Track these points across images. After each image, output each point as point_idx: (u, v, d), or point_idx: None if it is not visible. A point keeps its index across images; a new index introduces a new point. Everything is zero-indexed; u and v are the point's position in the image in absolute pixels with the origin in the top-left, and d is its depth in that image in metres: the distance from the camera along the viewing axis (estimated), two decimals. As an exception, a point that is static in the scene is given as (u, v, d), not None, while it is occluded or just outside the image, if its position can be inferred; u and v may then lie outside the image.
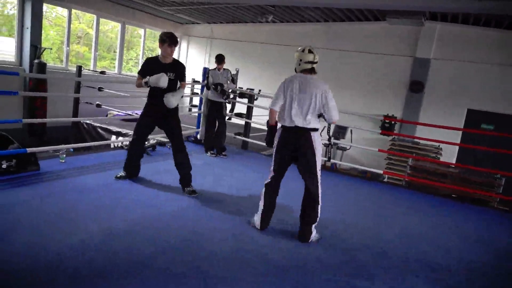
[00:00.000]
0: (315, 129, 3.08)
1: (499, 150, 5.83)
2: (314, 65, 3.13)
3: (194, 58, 12.40)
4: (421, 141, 8.81)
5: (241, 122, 7.39)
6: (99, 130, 7.80)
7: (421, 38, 9.33)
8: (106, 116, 9.31)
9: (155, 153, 5.49)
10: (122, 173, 4.09)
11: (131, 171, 4.12)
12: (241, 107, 7.38)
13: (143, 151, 4.32)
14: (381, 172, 5.99)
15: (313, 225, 3.10)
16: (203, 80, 6.91)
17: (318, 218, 3.10)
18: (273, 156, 3.19)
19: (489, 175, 6.01)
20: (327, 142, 3.62)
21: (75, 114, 8.19)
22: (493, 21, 8.33)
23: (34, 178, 3.72)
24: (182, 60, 12.48)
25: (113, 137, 7.68)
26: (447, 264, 3.06)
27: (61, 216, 2.99)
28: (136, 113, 9.03)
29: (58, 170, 4.05)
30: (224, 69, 5.92)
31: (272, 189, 3.20)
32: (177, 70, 3.84)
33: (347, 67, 10.26)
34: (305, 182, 3.08)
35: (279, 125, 3.16)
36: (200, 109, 6.84)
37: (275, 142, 3.16)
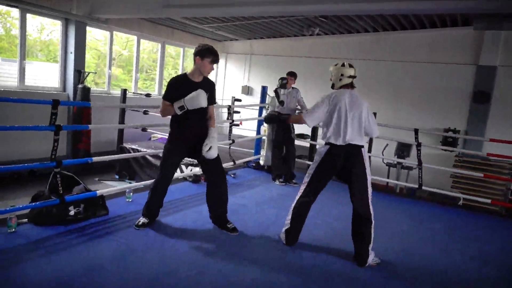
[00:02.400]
0: (363, 146, 3.02)
1: None
2: (353, 80, 3.09)
3: (233, 76, 11.98)
4: (492, 157, 7.98)
5: (304, 143, 6.84)
6: (147, 156, 7.35)
7: (485, 44, 8.56)
8: (149, 139, 8.94)
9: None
10: (143, 220, 3.28)
11: (155, 213, 3.40)
12: (302, 128, 6.80)
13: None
14: (489, 201, 5.03)
15: (370, 246, 2.92)
16: (262, 101, 6.40)
17: (372, 239, 2.92)
18: (313, 171, 3.06)
19: None
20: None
21: (120, 140, 7.80)
22: None
23: (106, 226, 3.21)
24: (220, 78, 12.11)
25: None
26: None
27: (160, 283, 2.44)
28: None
29: (128, 213, 3.53)
30: (292, 87, 5.37)
31: (305, 206, 3.11)
32: (211, 90, 3.23)
33: (400, 78, 9.57)
34: (355, 201, 2.98)
35: (321, 141, 3.10)
36: (258, 132, 6.29)
37: (318, 157, 3.05)
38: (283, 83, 5.32)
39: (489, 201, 4.90)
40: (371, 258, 2.92)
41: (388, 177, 8.06)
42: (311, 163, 3.16)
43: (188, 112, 3.06)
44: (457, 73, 8.96)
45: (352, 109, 2.97)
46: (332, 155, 2.98)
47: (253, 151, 6.44)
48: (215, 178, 3.34)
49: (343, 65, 3.07)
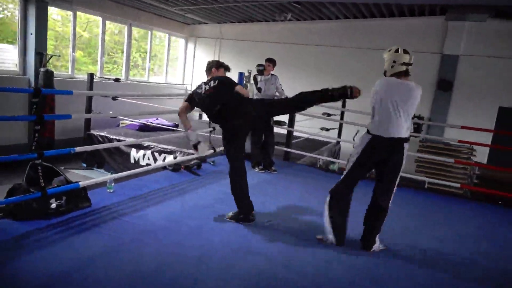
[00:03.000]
0: (408, 139, 2.87)
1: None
2: (409, 67, 2.82)
3: (202, 61, 11.72)
4: (452, 143, 8.42)
5: (282, 131, 6.86)
6: (117, 143, 7.08)
7: (449, 34, 8.93)
8: (118, 126, 8.60)
9: (203, 171, 4.85)
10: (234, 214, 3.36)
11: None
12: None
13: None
14: (458, 185, 5.32)
15: (378, 235, 2.98)
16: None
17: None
18: (352, 164, 2.92)
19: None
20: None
21: (87, 127, 7.45)
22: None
23: (91, 218, 3.06)
24: (189, 62, 11.83)
25: (133, 150, 7.01)
26: None
27: (158, 279, 2.37)
28: (152, 122, 8.36)
29: (112, 204, 3.39)
30: (271, 74, 5.33)
31: (346, 199, 2.97)
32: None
33: (370, 65, 9.77)
34: (379, 191, 2.92)
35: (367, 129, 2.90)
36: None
37: (359, 148, 2.89)
38: (260, 69, 5.28)
39: (458, 185, 5.17)
40: (377, 245, 2.99)
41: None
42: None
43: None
44: (423, 61, 9.27)
45: (403, 101, 2.77)
46: (375, 147, 2.83)
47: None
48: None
49: (397, 50, 2.82)
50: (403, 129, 2.80)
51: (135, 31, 10.17)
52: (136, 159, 7.00)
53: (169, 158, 6.70)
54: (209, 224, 3.24)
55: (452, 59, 8.93)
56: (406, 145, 2.85)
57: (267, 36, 10.60)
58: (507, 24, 8.44)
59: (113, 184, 3.68)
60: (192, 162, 4.88)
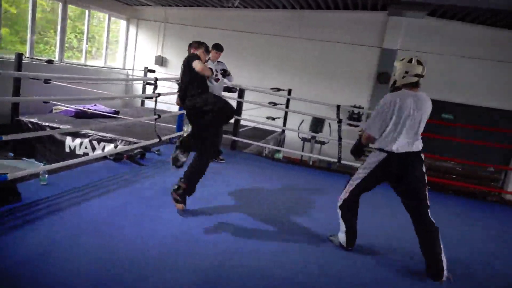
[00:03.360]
0: (421, 152, 2.74)
1: (478, 142, 5.94)
2: (421, 79, 2.68)
3: (145, 45, 11.19)
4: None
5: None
6: (50, 131, 6.54)
7: (388, 29, 9.35)
8: (51, 112, 7.96)
9: (147, 161, 4.63)
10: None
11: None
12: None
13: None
14: None
15: (443, 256, 2.63)
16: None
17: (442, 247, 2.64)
18: (362, 178, 2.79)
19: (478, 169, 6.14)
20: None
21: (16, 112, 6.79)
22: (458, 14, 8.59)
23: (20, 214, 2.77)
24: (131, 47, 11.25)
25: (68, 139, 6.53)
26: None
27: (101, 278, 2.20)
28: (90, 108, 7.84)
29: (46, 198, 3.10)
30: (218, 61, 5.19)
31: (354, 205, 2.89)
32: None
33: (316, 56, 9.98)
34: (413, 211, 2.71)
35: (376, 145, 2.75)
36: (181, 109, 5.99)
37: (371, 165, 2.75)
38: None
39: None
40: (446, 273, 2.62)
41: (302, 151, 8.50)
42: (361, 167, 2.84)
43: None
44: (365, 54, 9.67)
45: (416, 114, 2.64)
46: (387, 165, 2.69)
47: (175, 126, 6.16)
48: None
49: (410, 61, 2.69)
50: (415, 141, 2.69)
51: (71, 9, 9.38)
52: (72, 148, 6.53)
53: (109, 147, 6.33)
54: (155, 216, 3.09)
55: (391, 53, 9.38)
56: (422, 157, 2.75)
57: (215, 22, 10.34)
58: (440, 23, 9.02)
59: (46, 175, 3.37)
60: (135, 152, 4.63)
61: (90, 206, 3.12)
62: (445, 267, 2.61)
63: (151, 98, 10.04)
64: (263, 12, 10.05)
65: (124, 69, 11.16)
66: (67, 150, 6.52)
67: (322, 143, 8.51)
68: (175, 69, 10.46)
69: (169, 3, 10.36)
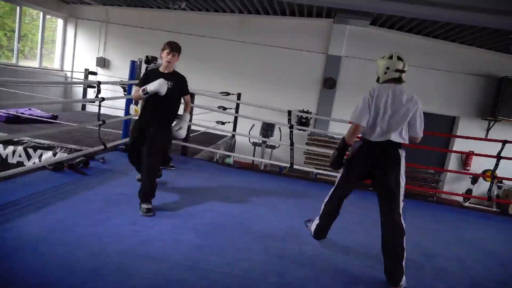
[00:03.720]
0: (401, 146, 2.77)
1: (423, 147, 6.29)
2: (403, 74, 2.79)
3: (85, 45, 10.56)
4: (336, 136, 9.21)
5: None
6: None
7: (333, 36, 9.67)
8: (-23, 117, 7.18)
9: (91, 170, 4.30)
10: (147, 205, 3.34)
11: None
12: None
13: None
14: None
15: (403, 263, 2.57)
16: (131, 77, 5.79)
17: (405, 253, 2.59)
18: (342, 172, 2.91)
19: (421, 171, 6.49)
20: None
21: None
22: (397, 24, 9.11)
23: None
24: (69, 47, 10.57)
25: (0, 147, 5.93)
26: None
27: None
28: (24, 113, 7.20)
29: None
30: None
31: (337, 203, 2.95)
32: (178, 80, 3.68)
33: (264, 61, 10.05)
34: (385, 209, 2.68)
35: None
36: (127, 113, 5.69)
37: (348, 157, 2.87)
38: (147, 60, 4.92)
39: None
40: (403, 280, 2.56)
41: (253, 156, 8.49)
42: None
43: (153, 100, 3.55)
44: (311, 60, 9.91)
45: (394, 104, 2.71)
46: (365, 151, 2.78)
47: (121, 132, 5.83)
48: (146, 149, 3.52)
49: (391, 57, 2.79)
50: (395, 133, 2.71)
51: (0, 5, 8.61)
52: (4, 157, 5.92)
53: (47, 155, 5.84)
54: (103, 230, 2.86)
55: (336, 59, 9.71)
56: (402, 151, 2.75)
57: (160, 24, 10.04)
58: (380, 31, 9.50)
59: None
60: (77, 160, 4.29)
61: (26, 222, 2.81)
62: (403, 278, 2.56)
63: (93, 102, 9.57)
64: (210, 15, 9.95)
65: (62, 70, 10.44)
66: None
67: (273, 147, 8.56)
68: (119, 72, 10.00)
69: (111, 2, 9.89)
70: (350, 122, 2.91)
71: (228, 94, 8.50)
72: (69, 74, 10.50)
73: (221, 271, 2.55)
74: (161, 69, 3.68)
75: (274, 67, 10.02)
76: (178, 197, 3.88)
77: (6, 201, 3.07)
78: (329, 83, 9.79)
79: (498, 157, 4.97)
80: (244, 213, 3.72)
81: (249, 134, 8.11)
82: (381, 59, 2.84)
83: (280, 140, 8.32)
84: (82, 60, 10.46)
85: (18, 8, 8.84)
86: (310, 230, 3.18)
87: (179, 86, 3.66)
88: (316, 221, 3.08)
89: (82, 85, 9.82)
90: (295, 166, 5.61)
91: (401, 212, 2.64)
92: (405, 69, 2.80)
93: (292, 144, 5.37)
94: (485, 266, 3.31)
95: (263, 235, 3.24)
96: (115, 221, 3.04)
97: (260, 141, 8.36)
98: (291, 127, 5.37)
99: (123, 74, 8.73)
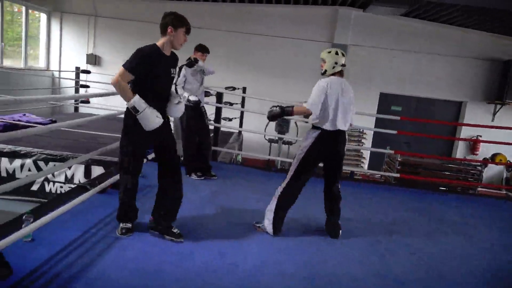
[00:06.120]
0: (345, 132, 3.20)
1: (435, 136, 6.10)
2: (343, 68, 3.16)
3: (73, 41, 9.73)
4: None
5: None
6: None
7: (338, 24, 9.35)
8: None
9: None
10: (125, 225, 2.84)
11: (133, 216, 2.93)
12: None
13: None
14: (398, 175, 5.47)
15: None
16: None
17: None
18: (299, 160, 3.08)
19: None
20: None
21: None
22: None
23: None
24: (55, 43, 9.74)
25: (4, 160, 5.31)
26: None
27: None
28: (20, 120, 6.50)
29: (41, 264, 2.27)
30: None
31: (292, 194, 3.13)
32: (176, 65, 2.88)
33: (267, 53, 9.62)
34: (330, 182, 3.20)
35: (313, 123, 3.07)
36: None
37: (307, 144, 3.08)
38: (191, 62, 4.45)
39: (397, 175, 5.33)
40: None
41: (269, 154, 8.14)
42: (298, 150, 3.13)
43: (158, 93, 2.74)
44: (316, 50, 9.54)
45: (344, 97, 3.06)
46: (323, 140, 3.05)
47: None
48: (171, 172, 2.84)
49: (337, 53, 3.10)
50: (344, 122, 3.08)
51: None
52: (10, 172, 5.33)
53: (62, 168, 5.28)
54: (192, 265, 2.45)
55: (342, 48, 9.35)
56: (346, 136, 3.22)
57: (156, 17, 9.28)
58: (385, 18, 9.25)
59: (29, 227, 2.49)
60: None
61: (111, 263, 2.36)
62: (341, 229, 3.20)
63: (87, 103, 8.87)
64: (207, 5, 9.39)
65: (48, 70, 9.60)
66: (3, 174, 5.30)
67: (290, 143, 8.23)
68: (112, 69, 9.29)
69: (100, -6, 9.12)
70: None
71: (234, 88, 8.06)
72: (56, 74, 9.68)
73: None
74: (162, 49, 2.69)
75: (278, 58, 9.61)
76: (231, 209, 3.48)
77: (70, 240, 2.59)
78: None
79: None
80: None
81: (265, 131, 7.76)
82: (327, 53, 3.12)
83: (297, 136, 7.99)
84: (71, 57, 9.65)
85: (0, 4, 7.95)
86: (264, 229, 3.14)
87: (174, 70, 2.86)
88: (270, 216, 3.09)
89: (74, 85, 9.08)
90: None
91: (339, 182, 3.23)
92: (345, 64, 3.15)
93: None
94: None
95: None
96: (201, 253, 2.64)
97: (276, 138, 8.03)
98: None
99: (117, 70, 8.05)
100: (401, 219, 3.90)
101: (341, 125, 3.06)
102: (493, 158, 9.06)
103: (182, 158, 4.50)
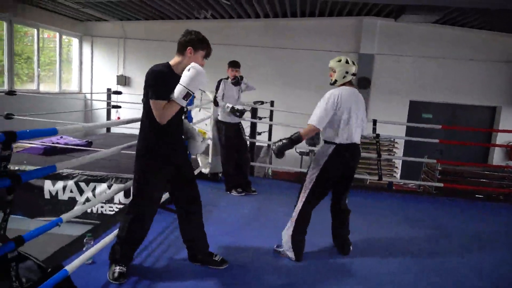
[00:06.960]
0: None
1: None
2: (353, 77, 2.99)
3: (103, 64, 10.04)
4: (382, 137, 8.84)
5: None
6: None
7: (364, 34, 9.31)
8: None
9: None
10: (119, 268, 2.43)
11: (130, 256, 2.58)
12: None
13: None
14: (441, 185, 5.30)
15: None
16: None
17: None
18: (313, 181, 2.86)
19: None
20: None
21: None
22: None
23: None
24: (87, 66, 10.06)
25: (48, 183, 5.45)
26: None
27: None
28: (59, 142, 6.71)
29: (104, 285, 2.29)
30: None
31: (309, 214, 2.94)
32: None
33: (293, 66, 9.66)
34: (343, 197, 3.04)
35: (321, 141, 3.00)
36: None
37: (321, 162, 2.86)
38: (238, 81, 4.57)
39: (441, 184, 5.18)
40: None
41: (301, 167, 8.09)
42: (311, 168, 2.92)
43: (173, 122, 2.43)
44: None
45: (358, 108, 2.93)
46: (339, 155, 2.87)
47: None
48: (191, 204, 2.63)
49: (347, 61, 2.95)
50: (359, 134, 2.96)
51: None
52: (54, 194, 5.46)
53: (102, 188, 5.40)
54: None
55: (369, 58, 9.36)
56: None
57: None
58: (409, 25, 9.14)
59: (91, 248, 2.53)
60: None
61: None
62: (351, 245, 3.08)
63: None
64: (235, 22, 9.52)
65: (80, 93, 9.92)
66: (47, 196, 5.44)
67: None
68: (140, 89, 9.51)
69: (128, 17, 9.40)
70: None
71: (262, 103, 8.10)
72: (88, 96, 9.99)
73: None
74: (175, 70, 2.44)
75: (304, 71, 9.62)
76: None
77: (138, 263, 2.62)
78: (363, 83, 9.43)
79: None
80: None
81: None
82: (337, 62, 2.97)
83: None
84: (101, 79, 9.95)
85: (36, 30, 8.31)
86: (286, 256, 2.94)
87: None
88: (289, 242, 2.90)
89: (105, 106, 9.32)
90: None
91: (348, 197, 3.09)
92: (356, 73, 3.01)
93: (379, 155, 4.96)
94: None
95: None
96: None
97: (307, 150, 7.97)
98: (376, 136, 4.98)
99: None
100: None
101: (356, 138, 2.92)
102: (533, 164, 8.71)
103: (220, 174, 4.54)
